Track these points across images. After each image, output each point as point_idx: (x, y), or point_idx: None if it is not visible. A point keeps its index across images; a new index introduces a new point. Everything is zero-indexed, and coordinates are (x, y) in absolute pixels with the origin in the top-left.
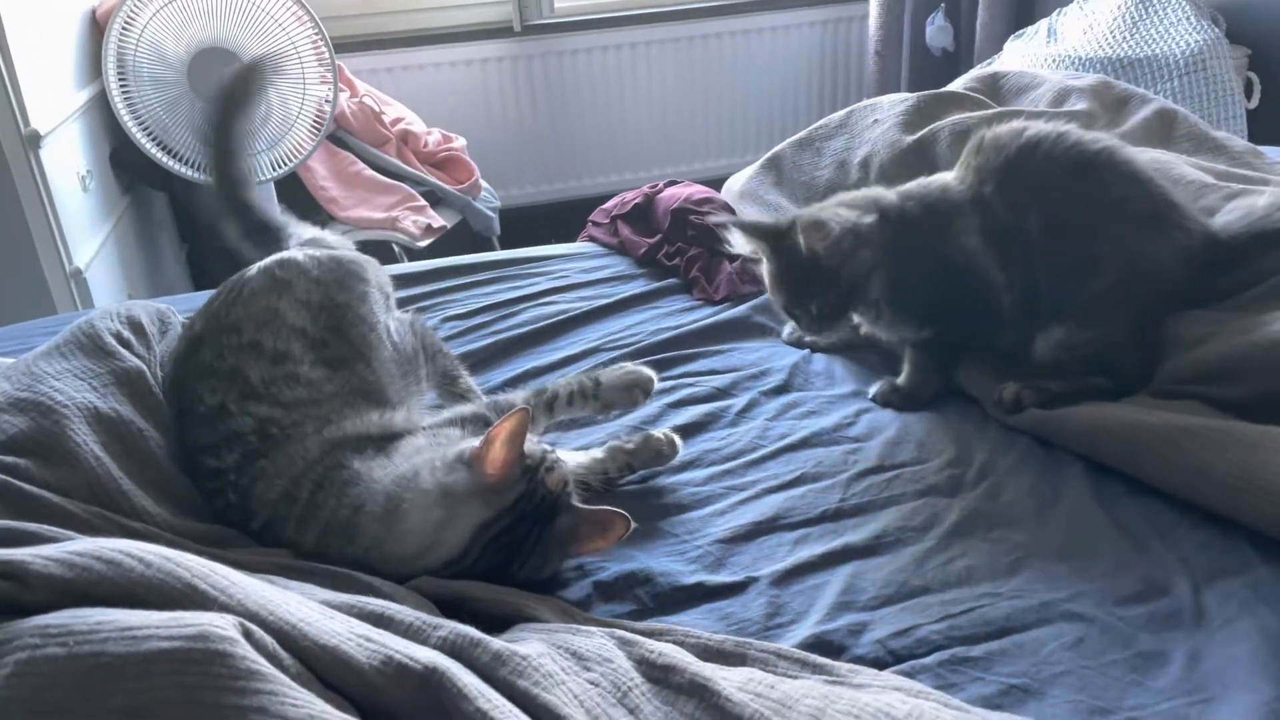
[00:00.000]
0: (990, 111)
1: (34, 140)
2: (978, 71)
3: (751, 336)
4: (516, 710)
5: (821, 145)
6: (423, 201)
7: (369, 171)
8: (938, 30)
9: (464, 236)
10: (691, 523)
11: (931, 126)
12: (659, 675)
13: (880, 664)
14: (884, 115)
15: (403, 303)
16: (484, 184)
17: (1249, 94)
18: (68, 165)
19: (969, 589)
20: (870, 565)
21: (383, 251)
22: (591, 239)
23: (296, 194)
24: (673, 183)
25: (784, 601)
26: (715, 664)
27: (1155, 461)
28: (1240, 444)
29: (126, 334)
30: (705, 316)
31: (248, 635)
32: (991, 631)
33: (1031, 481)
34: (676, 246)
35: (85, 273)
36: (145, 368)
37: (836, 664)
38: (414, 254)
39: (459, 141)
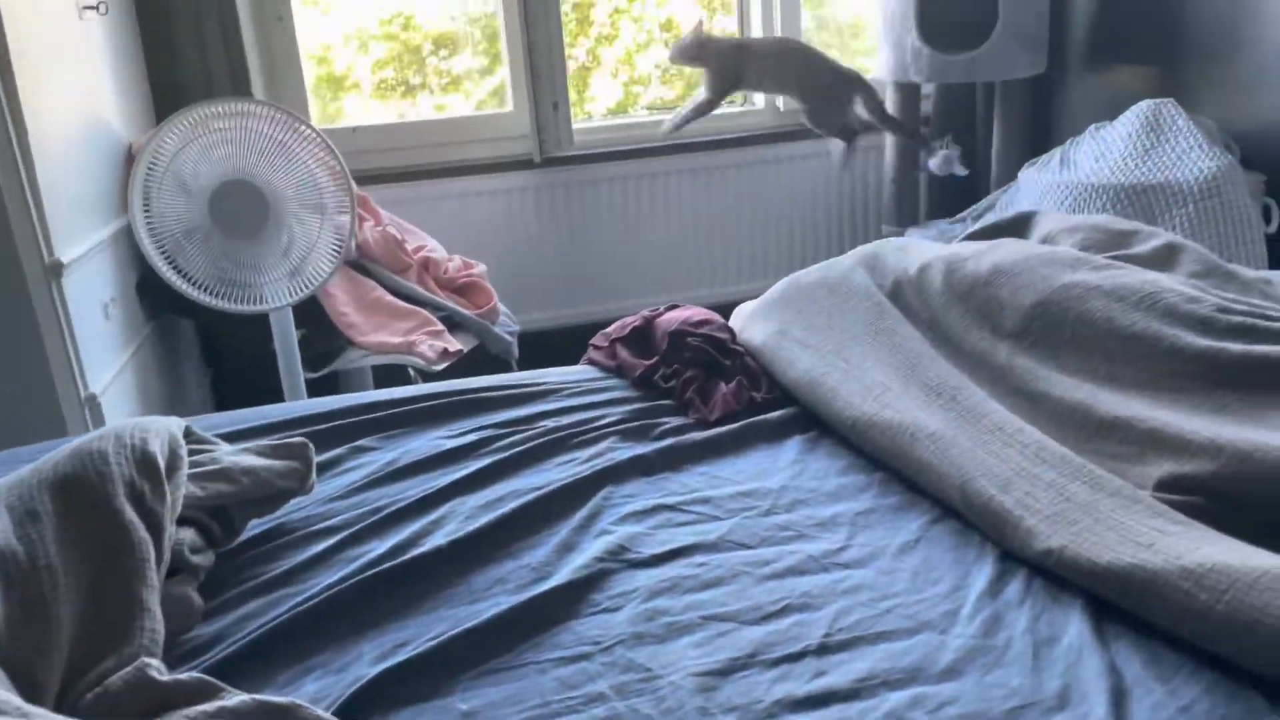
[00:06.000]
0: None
1: (56, 270)
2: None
3: (744, 456)
4: None
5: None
6: (440, 326)
7: (389, 297)
8: (942, 160)
9: (484, 359)
10: (666, 655)
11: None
12: None
13: None
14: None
15: (401, 420)
16: (502, 308)
17: (1268, 219)
18: (91, 294)
19: None
20: (852, 711)
21: (398, 375)
22: (591, 362)
23: (317, 319)
24: (673, 307)
25: None
26: None
27: (1155, 604)
28: (1238, 584)
29: (140, 484)
30: (698, 437)
31: None
32: None
33: (1030, 618)
34: (673, 368)
35: (100, 398)
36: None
37: None
38: (430, 377)
39: (479, 268)
